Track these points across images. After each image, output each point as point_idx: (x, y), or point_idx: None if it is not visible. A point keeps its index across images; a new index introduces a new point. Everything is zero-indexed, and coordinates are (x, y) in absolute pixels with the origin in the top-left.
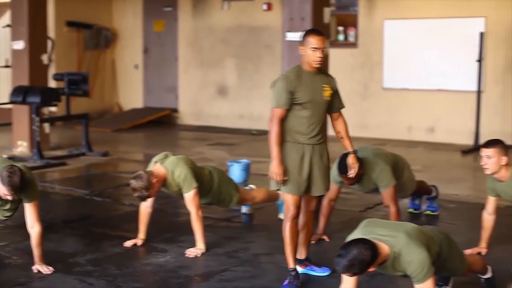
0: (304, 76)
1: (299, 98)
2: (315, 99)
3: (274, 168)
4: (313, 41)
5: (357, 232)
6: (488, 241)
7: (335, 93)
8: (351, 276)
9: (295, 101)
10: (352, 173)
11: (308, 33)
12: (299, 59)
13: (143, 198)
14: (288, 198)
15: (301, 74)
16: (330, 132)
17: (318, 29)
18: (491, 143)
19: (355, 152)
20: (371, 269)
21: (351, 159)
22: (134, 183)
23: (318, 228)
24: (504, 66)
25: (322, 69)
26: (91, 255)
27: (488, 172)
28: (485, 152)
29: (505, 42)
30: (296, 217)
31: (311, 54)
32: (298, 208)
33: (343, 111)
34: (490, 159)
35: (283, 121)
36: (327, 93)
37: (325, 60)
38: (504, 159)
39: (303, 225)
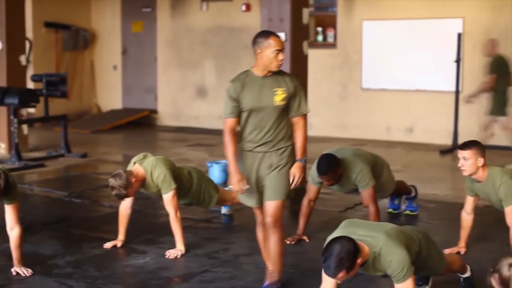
0: (251, 82)
1: (244, 105)
2: (262, 105)
3: (232, 179)
4: (275, 43)
5: (337, 233)
6: (467, 240)
7: (294, 96)
8: (345, 275)
9: (242, 108)
10: (293, 184)
11: (266, 35)
12: None
13: (121, 197)
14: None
15: (248, 79)
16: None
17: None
18: (467, 145)
19: (302, 161)
20: (359, 261)
21: (293, 168)
22: (113, 181)
23: (298, 229)
24: (482, 66)
25: (281, 71)
26: (71, 257)
27: (465, 174)
28: (461, 153)
29: (482, 43)
30: (264, 223)
31: (273, 56)
32: (262, 215)
33: (323, 112)
34: (467, 161)
35: (240, 129)
36: (279, 97)
37: (304, 60)
38: (481, 160)
39: (266, 239)
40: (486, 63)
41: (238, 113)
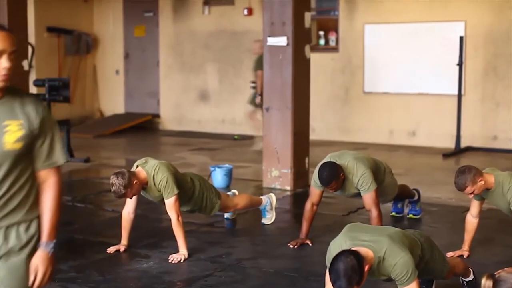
0: None
1: None
2: None
3: None
4: None
5: (340, 237)
6: (471, 243)
7: (40, 136)
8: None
9: None
10: (35, 285)
11: None
12: (280, 63)
13: (119, 196)
14: None
15: None
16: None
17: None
18: (460, 185)
19: (48, 248)
20: (367, 268)
21: (35, 259)
22: (114, 178)
23: (301, 233)
24: (484, 69)
25: (26, 93)
26: (74, 262)
27: (480, 193)
28: (465, 193)
29: (484, 46)
30: None
31: None
32: None
33: (325, 116)
34: (473, 193)
35: None
36: (11, 137)
37: (306, 64)
38: (481, 180)
39: None
40: (253, 61)
41: None
